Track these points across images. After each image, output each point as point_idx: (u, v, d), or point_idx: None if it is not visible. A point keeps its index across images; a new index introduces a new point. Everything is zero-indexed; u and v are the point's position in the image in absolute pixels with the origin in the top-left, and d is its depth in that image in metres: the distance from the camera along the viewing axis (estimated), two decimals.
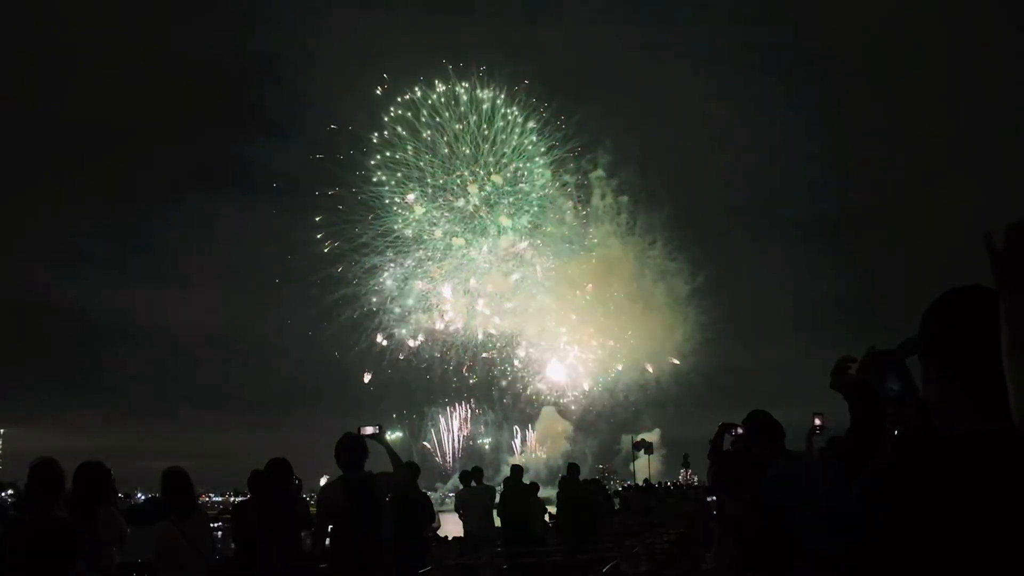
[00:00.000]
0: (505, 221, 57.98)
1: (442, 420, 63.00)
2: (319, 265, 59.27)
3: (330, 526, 6.40)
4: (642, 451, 54.46)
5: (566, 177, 58.59)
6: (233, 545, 8.45)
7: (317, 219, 57.65)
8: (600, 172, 58.62)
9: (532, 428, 61.11)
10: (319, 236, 58.14)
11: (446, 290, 57.93)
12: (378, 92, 57.27)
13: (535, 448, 58.94)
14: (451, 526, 14.63)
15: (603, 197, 59.09)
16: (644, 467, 45.26)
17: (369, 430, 6.33)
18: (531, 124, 57.40)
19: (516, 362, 60.17)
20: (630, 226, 59.66)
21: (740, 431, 6.23)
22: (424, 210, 56.64)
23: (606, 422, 61.96)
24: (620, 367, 59.57)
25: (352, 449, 6.27)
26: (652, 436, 58.28)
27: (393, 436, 60.90)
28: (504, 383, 60.47)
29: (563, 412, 61.16)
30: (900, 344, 2.22)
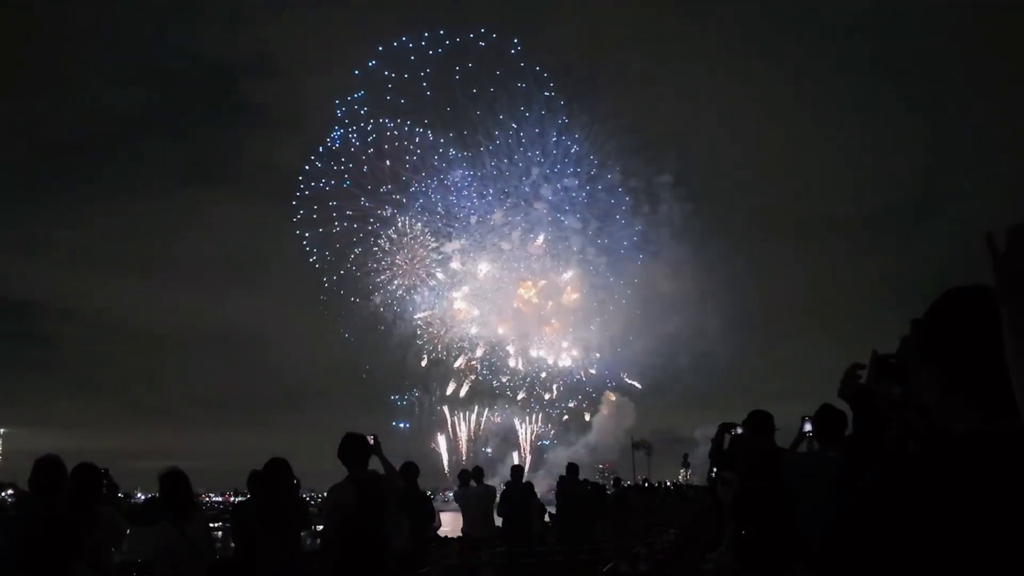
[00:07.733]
0: (574, 224, 58.49)
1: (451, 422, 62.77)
2: (324, 262, 58.68)
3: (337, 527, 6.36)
4: (642, 450, 54.53)
5: (632, 181, 58.95)
6: (233, 545, 8.46)
7: (329, 227, 57.00)
8: (667, 177, 58.95)
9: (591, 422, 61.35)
10: (326, 234, 57.49)
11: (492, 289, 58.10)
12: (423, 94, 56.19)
13: (595, 439, 59.22)
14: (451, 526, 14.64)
15: (666, 201, 59.44)
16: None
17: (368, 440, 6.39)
18: (596, 127, 57.35)
19: (569, 360, 60.27)
20: (691, 230, 59.87)
21: (739, 431, 6.27)
22: (504, 218, 56.69)
23: (664, 417, 62.49)
24: (679, 361, 59.87)
25: (358, 446, 6.30)
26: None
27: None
28: (556, 372, 60.55)
29: (624, 403, 61.42)
30: (900, 346, 2.21)
